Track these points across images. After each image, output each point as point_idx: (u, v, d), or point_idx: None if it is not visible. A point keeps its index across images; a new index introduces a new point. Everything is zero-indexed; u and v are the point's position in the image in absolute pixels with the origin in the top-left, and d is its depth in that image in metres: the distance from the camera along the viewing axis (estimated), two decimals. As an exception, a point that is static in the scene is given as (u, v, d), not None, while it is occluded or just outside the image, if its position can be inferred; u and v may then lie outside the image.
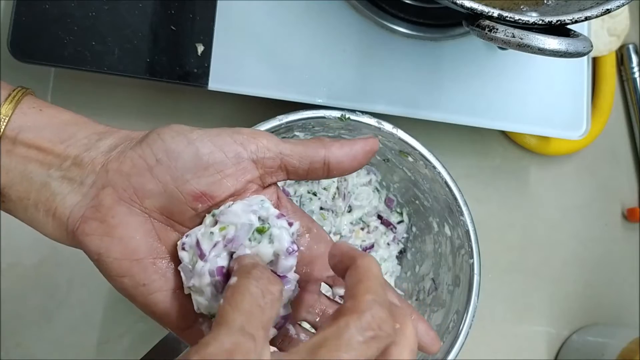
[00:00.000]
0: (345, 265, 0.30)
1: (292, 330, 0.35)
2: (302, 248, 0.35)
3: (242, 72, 0.51)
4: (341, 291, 0.35)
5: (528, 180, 0.62)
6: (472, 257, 0.48)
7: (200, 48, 0.50)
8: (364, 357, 0.26)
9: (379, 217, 0.56)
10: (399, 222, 0.56)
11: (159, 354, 0.40)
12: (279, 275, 0.32)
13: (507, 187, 0.61)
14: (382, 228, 0.56)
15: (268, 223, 0.32)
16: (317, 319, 0.35)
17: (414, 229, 0.56)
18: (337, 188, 0.55)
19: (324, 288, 0.37)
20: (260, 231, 0.32)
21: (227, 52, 0.50)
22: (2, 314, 0.51)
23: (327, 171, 0.35)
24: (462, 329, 0.47)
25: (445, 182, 0.48)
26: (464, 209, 0.48)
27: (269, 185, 0.35)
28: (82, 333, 0.52)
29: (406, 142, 0.48)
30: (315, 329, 0.36)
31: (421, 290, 0.54)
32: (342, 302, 0.33)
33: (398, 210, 0.56)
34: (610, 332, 0.58)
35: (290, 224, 0.33)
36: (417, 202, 0.54)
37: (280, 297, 0.29)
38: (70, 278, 0.53)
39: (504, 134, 0.62)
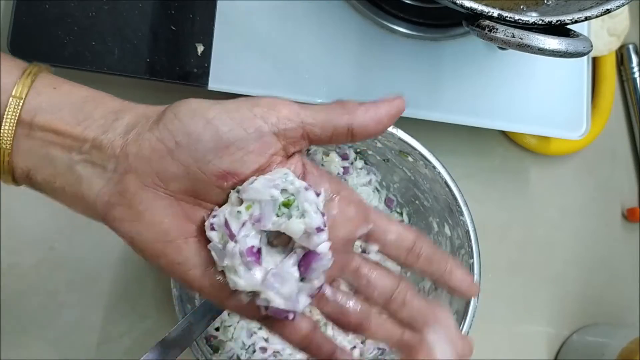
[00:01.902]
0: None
1: (327, 289, 0.34)
2: (333, 212, 0.34)
3: (242, 72, 0.51)
4: (374, 247, 0.35)
5: (528, 180, 0.62)
6: (472, 257, 0.48)
7: (200, 48, 0.50)
8: None
9: (379, 217, 0.56)
10: (399, 222, 0.56)
11: (159, 354, 0.40)
12: (311, 251, 0.31)
13: (507, 187, 0.61)
14: (382, 228, 0.56)
15: (293, 196, 0.31)
16: (352, 278, 0.35)
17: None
18: (337, 188, 0.55)
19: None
20: (287, 205, 0.31)
21: (227, 52, 0.50)
22: (2, 314, 0.51)
23: (350, 136, 0.34)
24: (462, 329, 0.47)
25: (445, 182, 0.48)
26: (464, 209, 0.48)
27: (293, 154, 0.34)
28: (82, 333, 0.52)
29: (406, 142, 0.48)
30: (351, 288, 0.36)
31: (421, 290, 0.54)
32: (374, 259, 0.36)
33: (398, 210, 0.56)
34: (610, 332, 0.58)
35: (318, 194, 0.32)
36: (417, 202, 0.54)
37: None
38: (70, 278, 0.53)
39: (504, 134, 0.62)
